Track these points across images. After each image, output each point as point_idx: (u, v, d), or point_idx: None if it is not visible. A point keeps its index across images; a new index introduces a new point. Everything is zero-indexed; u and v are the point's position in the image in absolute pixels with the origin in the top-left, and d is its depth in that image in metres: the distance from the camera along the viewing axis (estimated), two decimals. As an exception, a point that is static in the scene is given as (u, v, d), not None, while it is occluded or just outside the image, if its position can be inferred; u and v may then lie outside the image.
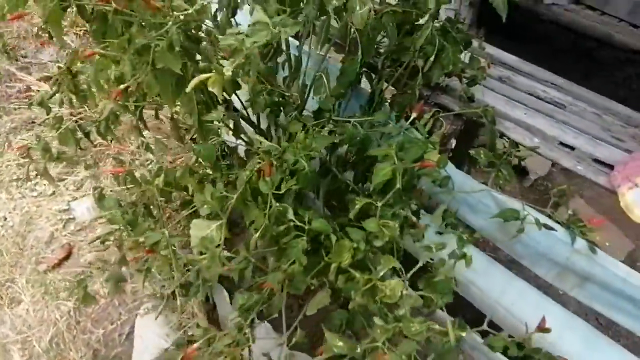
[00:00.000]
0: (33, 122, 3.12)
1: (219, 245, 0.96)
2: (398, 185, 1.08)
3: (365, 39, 1.20)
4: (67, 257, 2.43)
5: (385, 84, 1.57)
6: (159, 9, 1.11)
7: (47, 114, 1.82)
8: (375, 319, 0.96)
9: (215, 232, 0.95)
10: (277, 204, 1.06)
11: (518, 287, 1.67)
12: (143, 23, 1.15)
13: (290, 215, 1.08)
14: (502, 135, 1.68)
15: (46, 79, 1.80)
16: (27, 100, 3.31)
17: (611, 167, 1.60)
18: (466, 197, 1.60)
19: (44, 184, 2.81)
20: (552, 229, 1.32)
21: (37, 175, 2.88)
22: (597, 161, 1.64)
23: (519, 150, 1.70)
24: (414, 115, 1.28)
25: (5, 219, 2.68)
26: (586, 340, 1.48)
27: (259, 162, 1.11)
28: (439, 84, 1.83)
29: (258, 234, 1.04)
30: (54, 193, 2.76)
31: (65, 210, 2.66)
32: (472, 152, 1.50)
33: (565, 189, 1.36)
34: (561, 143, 1.71)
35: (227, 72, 0.87)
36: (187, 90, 0.84)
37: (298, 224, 1.09)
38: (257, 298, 1.10)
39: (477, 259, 1.60)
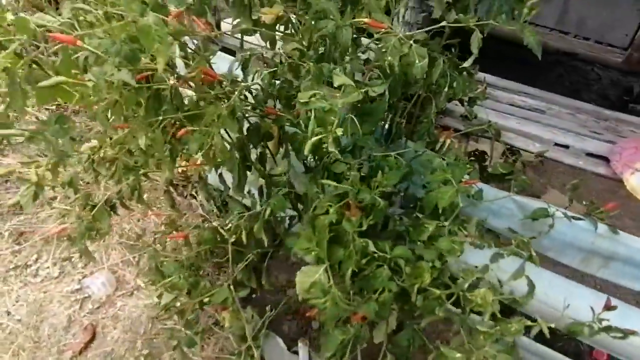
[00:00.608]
0: (21, 206, 2.99)
1: (331, 286, 1.03)
2: (461, 205, 1.21)
3: (393, 81, 1.36)
4: (92, 338, 2.33)
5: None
6: (219, 81, 1.21)
7: (75, 194, 1.81)
8: (478, 326, 1.06)
9: (324, 276, 1.03)
10: (361, 240, 1.16)
11: (546, 277, 1.83)
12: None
13: (372, 247, 1.18)
14: (507, 145, 1.88)
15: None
16: (6, 184, 3.19)
17: (602, 157, 1.84)
18: (490, 204, 1.77)
19: (47, 267, 2.69)
20: (580, 219, 1.50)
21: (36, 259, 2.76)
22: (590, 154, 1.88)
23: (520, 156, 1.92)
24: (448, 141, 1.44)
25: (9, 313, 2.52)
26: (621, 314, 1.66)
27: (330, 205, 1.21)
28: (442, 108, 2.03)
29: (349, 271, 1.13)
30: (60, 274, 2.65)
31: (77, 289, 2.55)
32: (490, 169, 1.68)
33: (578, 183, 1.56)
34: (556, 144, 1.94)
35: (313, 133, 0.97)
36: (306, 151, 0.93)
37: (380, 254, 1.19)
38: (355, 331, 1.17)
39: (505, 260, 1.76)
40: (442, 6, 1.40)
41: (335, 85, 1.00)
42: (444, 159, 1.41)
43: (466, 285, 1.16)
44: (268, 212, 1.24)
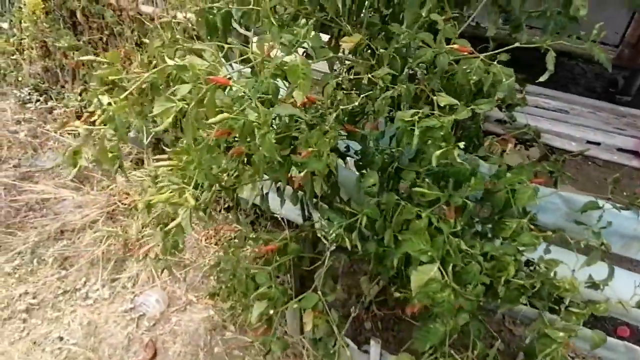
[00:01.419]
0: (62, 232, 3.03)
1: (447, 281, 1.16)
2: (537, 203, 1.36)
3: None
4: (154, 355, 2.39)
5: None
6: (317, 102, 1.34)
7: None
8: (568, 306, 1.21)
9: (438, 273, 1.15)
10: (455, 239, 1.30)
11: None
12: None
13: (464, 245, 1.32)
14: (546, 145, 2.05)
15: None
16: (42, 210, 3.22)
17: (632, 152, 2.03)
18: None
19: (97, 289, 2.75)
20: (627, 209, 1.67)
21: (84, 283, 2.82)
22: (620, 149, 2.06)
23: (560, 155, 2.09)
24: (510, 146, 1.59)
25: (62, 338, 2.55)
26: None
27: (419, 210, 1.34)
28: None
29: (450, 267, 1.26)
30: (111, 295, 2.70)
31: (131, 308, 2.62)
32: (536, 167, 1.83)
33: (619, 177, 1.73)
34: (588, 141, 2.12)
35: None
36: (434, 162, 1.07)
37: (471, 251, 1.33)
38: (453, 324, 1.30)
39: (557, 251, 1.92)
40: (496, 25, 1.56)
41: (442, 105, 1.14)
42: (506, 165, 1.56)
43: (552, 274, 1.30)
44: (364, 220, 1.37)
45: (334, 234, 1.33)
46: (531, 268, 1.53)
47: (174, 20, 2.71)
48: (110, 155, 1.25)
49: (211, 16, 1.45)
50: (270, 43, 1.06)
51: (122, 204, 3.18)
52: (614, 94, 4.65)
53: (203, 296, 2.72)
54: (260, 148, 0.92)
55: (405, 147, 1.42)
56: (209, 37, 1.60)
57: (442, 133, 1.09)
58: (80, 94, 3.91)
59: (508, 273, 1.35)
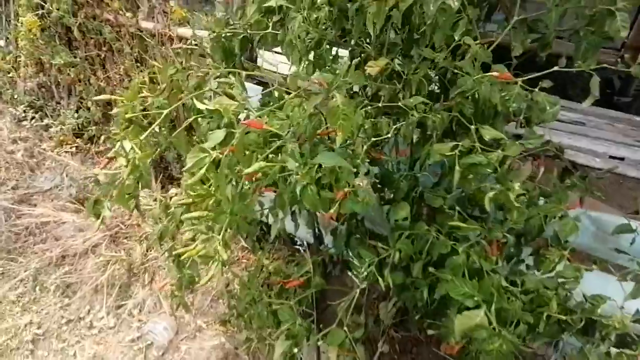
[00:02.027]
0: (63, 257, 2.92)
1: (495, 328, 1.08)
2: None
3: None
4: (166, 387, 2.30)
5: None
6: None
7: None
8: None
9: (485, 319, 1.08)
10: (496, 276, 1.22)
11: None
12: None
13: (504, 282, 1.24)
14: (571, 162, 1.98)
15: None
16: (42, 235, 3.11)
17: (657, 166, 1.96)
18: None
19: (101, 317, 2.64)
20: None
21: (89, 311, 2.71)
22: (644, 164, 2.00)
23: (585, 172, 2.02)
24: (542, 169, 1.52)
25: (67, 369, 2.46)
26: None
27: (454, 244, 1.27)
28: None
29: (493, 306, 1.18)
30: (117, 324, 2.60)
31: (138, 337, 2.51)
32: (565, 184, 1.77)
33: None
34: (610, 156, 2.06)
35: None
36: (487, 205, 0.99)
37: (511, 288, 1.26)
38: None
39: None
40: (524, 46, 1.49)
41: (487, 138, 1.07)
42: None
43: (598, 311, 1.23)
44: (397, 256, 1.29)
45: (365, 272, 1.25)
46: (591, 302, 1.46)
47: (181, 41, 2.62)
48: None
49: (228, 42, 1.37)
50: (305, 82, 0.98)
51: (124, 225, 3.07)
52: (611, 95, 4.60)
53: (213, 322, 2.62)
54: (302, 199, 0.84)
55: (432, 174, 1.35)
56: (223, 62, 1.52)
57: (489, 170, 1.02)
58: (76, 111, 3.80)
59: (550, 308, 1.27)
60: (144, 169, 1.03)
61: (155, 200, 2.95)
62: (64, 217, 3.06)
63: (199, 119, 1.10)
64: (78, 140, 3.74)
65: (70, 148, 3.70)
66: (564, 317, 1.29)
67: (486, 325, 1.07)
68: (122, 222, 3.06)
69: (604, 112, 2.49)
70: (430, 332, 1.40)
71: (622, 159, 2.05)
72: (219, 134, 0.87)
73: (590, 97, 1.22)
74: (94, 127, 3.63)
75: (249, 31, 1.33)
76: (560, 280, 1.36)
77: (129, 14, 2.83)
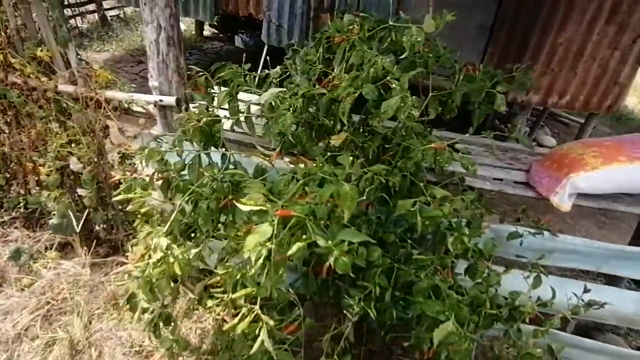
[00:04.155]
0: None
1: (460, 332, 1.47)
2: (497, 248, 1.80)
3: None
4: None
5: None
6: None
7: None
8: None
9: (453, 327, 1.46)
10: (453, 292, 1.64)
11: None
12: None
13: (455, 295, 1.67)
14: (469, 187, 2.57)
15: None
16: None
17: (524, 184, 2.68)
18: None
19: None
20: (538, 233, 2.23)
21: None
22: (516, 182, 2.70)
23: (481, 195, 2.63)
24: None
25: None
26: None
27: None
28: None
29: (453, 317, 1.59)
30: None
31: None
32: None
33: (525, 207, 2.32)
34: (494, 178, 2.72)
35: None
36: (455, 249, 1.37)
37: (461, 298, 1.69)
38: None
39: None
40: (436, 112, 1.99)
41: (438, 196, 1.47)
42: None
43: (517, 302, 1.74)
44: (377, 290, 1.62)
45: (357, 308, 1.56)
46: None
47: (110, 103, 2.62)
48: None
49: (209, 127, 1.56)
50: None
51: (56, 302, 2.84)
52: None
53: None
54: (335, 266, 1.11)
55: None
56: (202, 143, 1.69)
57: (444, 219, 1.42)
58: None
59: (485, 307, 1.74)
60: (184, 268, 1.16)
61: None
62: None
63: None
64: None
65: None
66: (494, 312, 1.78)
67: (455, 332, 1.47)
68: (52, 299, 2.84)
69: (479, 140, 3.22)
70: (405, 343, 1.75)
71: (501, 179, 2.73)
72: (267, 230, 1.08)
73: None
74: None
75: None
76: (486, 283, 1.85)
77: (44, 78, 2.71)
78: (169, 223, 1.29)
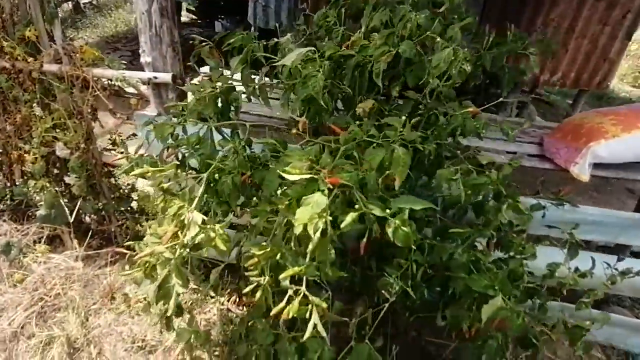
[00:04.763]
0: None
1: (510, 307, 1.38)
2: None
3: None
4: None
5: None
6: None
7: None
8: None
9: (502, 302, 1.37)
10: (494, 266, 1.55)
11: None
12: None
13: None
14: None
15: None
16: None
17: (539, 156, 2.61)
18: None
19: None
20: (560, 204, 2.16)
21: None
22: (530, 155, 2.64)
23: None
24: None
25: None
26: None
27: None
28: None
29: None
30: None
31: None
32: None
33: (545, 179, 2.25)
34: (507, 152, 2.65)
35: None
36: None
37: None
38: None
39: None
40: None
41: (484, 163, 1.36)
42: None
43: (556, 274, 1.67)
44: (414, 267, 1.51)
45: (397, 287, 1.45)
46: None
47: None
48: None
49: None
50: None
51: (49, 298, 2.64)
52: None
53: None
54: (394, 238, 0.99)
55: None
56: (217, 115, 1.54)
57: (491, 187, 1.32)
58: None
59: (523, 280, 1.66)
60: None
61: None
62: None
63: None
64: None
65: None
66: (533, 285, 1.70)
67: (505, 307, 1.38)
68: (46, 294, 2.64)
69: (489, 116, 3.14)
70: (441, 323, 1.66)
71: (514, 153, 2.66)
72: (321, 199, 0.95)
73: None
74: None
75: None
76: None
77: (30, 59, 2.47)
78: (197, 198, 1.14)
